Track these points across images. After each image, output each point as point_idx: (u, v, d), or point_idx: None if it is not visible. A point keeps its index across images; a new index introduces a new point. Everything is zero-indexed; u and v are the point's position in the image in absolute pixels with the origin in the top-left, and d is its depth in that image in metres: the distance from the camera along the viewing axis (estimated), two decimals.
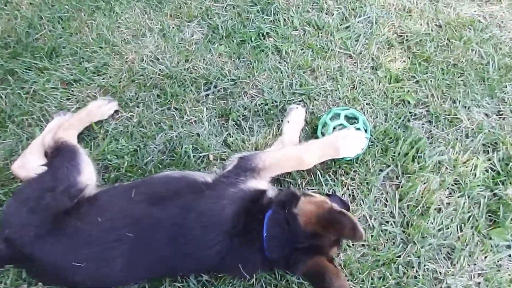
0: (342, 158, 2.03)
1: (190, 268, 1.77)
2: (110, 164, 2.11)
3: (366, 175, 2.05)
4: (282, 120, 2.20)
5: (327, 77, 2.38)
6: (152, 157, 2.14)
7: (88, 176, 1.87)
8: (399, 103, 2.31)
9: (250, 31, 2.49)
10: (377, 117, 2.25)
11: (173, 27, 2.53)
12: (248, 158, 1.82)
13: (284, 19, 2.54)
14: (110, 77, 2.37)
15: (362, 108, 2.29)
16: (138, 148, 2.17)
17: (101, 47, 2.46)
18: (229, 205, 1.66)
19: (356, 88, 2.34)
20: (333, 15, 2.56)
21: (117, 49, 2.44)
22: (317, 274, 1.53)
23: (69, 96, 2.32)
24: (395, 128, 2.22)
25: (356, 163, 2.07)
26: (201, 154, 2.14)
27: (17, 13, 2.57)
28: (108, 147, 2.15)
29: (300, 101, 2.29)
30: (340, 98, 2.30)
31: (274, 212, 1.64)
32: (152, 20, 2.56)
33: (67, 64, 2.41)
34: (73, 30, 2.52)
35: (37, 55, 2.43)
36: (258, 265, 1.68)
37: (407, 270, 1.86)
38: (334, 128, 2.08)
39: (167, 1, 2.63)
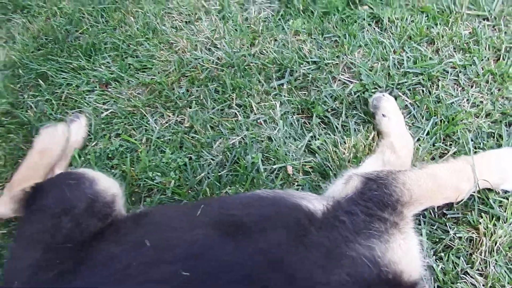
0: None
1: None
2: (153, 184, 1.56)
3: None
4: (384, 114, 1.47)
5: (455, 48, 1.62)
6: (208, 173, 1.54)
7: (106, 184, 1.30)
8: None
9: (336, 0, 1.83)
10: None
11: (235, 6, 1.97)
12: (382, 182, 1.04)
13: None
14: (158, 72, 1.85)
15: None
16: (189, 160, 1.59)
17: (147, 38, 1.97)
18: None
19: (503, 58, 1.55)
20: None
21: (166, 38, 1.93)
22: None
23: (105, 99, 1.84)
24: None
25: None
26: (274, 166, 1.49)
27: (56, 9, 2.20)
28: (150, 162, 1.61)
29: (417, 83, 1.56)
30: (478, 75, 1.53)
31: None
32: (209, 1, 2.03)
33: (107, 62, 1.95)
34: (116, 22, 2.06)
35: (75, 54, 2.00)
36: None
37: None
38: None
39: None
